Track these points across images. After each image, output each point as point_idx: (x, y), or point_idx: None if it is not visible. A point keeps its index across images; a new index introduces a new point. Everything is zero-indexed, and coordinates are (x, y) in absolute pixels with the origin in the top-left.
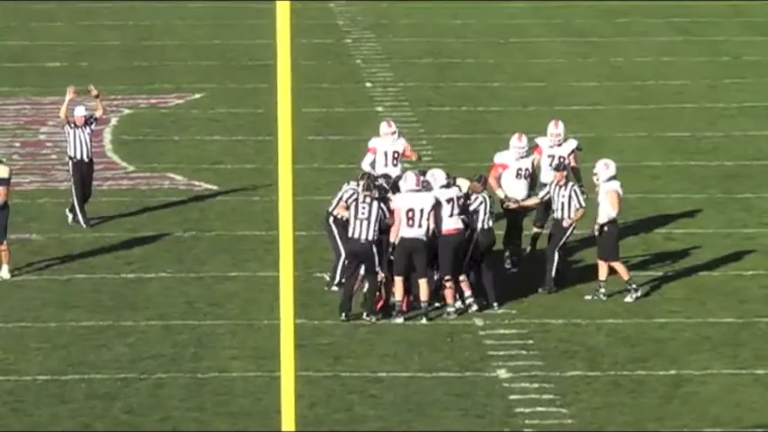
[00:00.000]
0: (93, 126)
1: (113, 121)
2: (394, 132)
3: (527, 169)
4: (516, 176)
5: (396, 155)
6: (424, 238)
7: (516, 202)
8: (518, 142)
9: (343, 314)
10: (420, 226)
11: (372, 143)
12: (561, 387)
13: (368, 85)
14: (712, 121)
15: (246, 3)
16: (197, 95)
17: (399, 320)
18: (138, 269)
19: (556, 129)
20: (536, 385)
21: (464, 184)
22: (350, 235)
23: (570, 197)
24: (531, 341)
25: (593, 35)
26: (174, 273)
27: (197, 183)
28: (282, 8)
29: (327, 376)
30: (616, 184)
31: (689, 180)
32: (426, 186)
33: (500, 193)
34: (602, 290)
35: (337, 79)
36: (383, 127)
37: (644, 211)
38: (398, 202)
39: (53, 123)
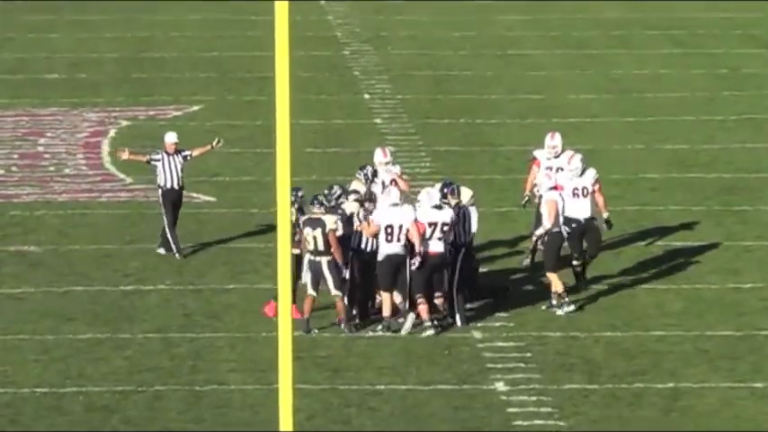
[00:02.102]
0: (185, 157)
1: (112, 132)
2: (388, 162)
3: (559, 168)
4: (546, 176)
5: (392, 183)
6: (402, 253)
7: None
8: (550, 141)
9: (344, 327)
10: (399, 240)
11: None
12: (559, 400)
13: (366, 97)
14: (710, 133)
15: (245, 15)
16: (195, 107)
17: (431, 332)
18: (137, 281)
19: (552, 141)
20: (534, 398)
21: (466, 192)
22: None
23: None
24: (529, 354)
25: (591, 47)
26: (172, 285)
27: (195, 195)
28: (281, 20)
29: (325, 389)
30: (555, 194)
31: (687, 192)
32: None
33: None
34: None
35: (335, 91)
36: (378, 155)
37: (642, 224)
38: (377, 217)
39: (51, 135)
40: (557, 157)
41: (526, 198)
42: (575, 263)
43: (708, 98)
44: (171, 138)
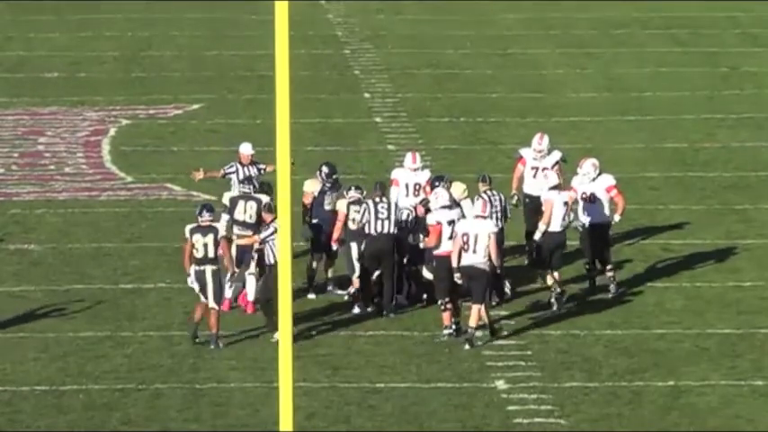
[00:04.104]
0: (260, 170)
1: (112, 131)
2: (417, 168)
3: (545, 168)
4: (533, 176)
5: (417, 187)
6: (483, 266)
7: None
8: (537, 144)
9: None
10: (475, 252)
11: (395, 174)
12: (560, 398)
13: (366, 95)
14: (710, 132)
15: (245, 14)
16: (195, 106)
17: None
18: (137, 280)
19: (540, 145)
20: (534, 396)
21: (458, 187)
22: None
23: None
24: (529, 352)
25: (591, 46)
26: (172, 283)
27: (195, 193)
28: (281, 19)
29: (325, 387)
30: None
31: (687, 191)
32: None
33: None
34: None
35: (335, 90)
36: (408, 161)
37: (642, 222)
38: (457, 228)
39: (51, 134)
40: (543, 157)
41: (515, 197)
42: (587, 267)
43: (708, 97)
44: (247, 149)
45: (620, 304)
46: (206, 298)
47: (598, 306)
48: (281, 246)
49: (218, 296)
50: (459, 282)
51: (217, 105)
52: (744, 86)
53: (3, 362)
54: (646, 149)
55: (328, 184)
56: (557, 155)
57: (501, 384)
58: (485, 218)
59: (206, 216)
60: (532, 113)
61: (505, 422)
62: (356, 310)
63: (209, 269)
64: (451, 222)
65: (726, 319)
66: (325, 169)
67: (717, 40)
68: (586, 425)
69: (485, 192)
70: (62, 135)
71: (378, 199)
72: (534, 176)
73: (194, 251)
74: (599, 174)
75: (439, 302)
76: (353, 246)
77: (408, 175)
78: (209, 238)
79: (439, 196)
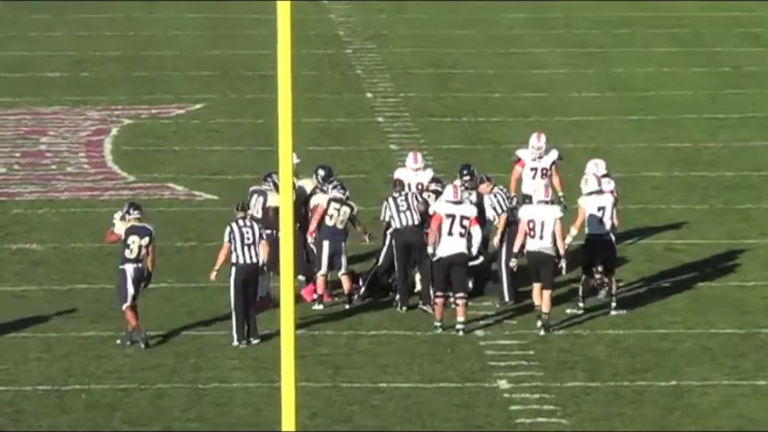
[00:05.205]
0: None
1: (114, 131)
2: (418, 168)
3: (544, 169)
4: (533, 176)
5: (420, 186)
6: (550, 251)
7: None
8: (536, 141)
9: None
10: (542, 238)
11: (397, 174)
12: (562, 398)
13: (368, 95)
14: (713, 131)
15: (247, 14)
16: (197, 106)
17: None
18: None
19: (538, 142)
20: (537, 396)
21: (486, 187)
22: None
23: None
24: (531, 352)
25: (593, 46)
26: (174, 283)
27: (197, 193)
28: (283, 19)
29: (328, 387)
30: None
31: (689, 191)
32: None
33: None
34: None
35: (338, 90)
36: (410, 161)
37: (644, 222)
38: (522, 214)
39: (53, 134)
40: (541, 158)
41: (514, 198)
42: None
43: (710, 96)
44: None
45: (622, 304)
46: (135, 298)
47: (600, 306)
48: (282, 245)
49: (138, 294)
50: (515, 269)
51: (219, 105)
52: (746, 86)
53: (5, 361)
54: (648, 149)
55: (326, 188)
56: (554, 154)
57: (503, 384)
58: (548, 203)
59: (134, 214)
60: (535, 113)
61: (508, 422)
62: (319, 306)
63: (145, 267)
64: (450, 217)
65: (728, 318)
66: (321, 172)
67: (719, 40)
68: (589, 425)
69: (492, 191)
70: (64, 135)
71: (396, 194)
72: (533, 177)
73: (127, 251)
74: (604, 176)
75: (432, 295)
76: (326, 243)
77: (410, 174)
78: (146, 240)
79: (447, 190)
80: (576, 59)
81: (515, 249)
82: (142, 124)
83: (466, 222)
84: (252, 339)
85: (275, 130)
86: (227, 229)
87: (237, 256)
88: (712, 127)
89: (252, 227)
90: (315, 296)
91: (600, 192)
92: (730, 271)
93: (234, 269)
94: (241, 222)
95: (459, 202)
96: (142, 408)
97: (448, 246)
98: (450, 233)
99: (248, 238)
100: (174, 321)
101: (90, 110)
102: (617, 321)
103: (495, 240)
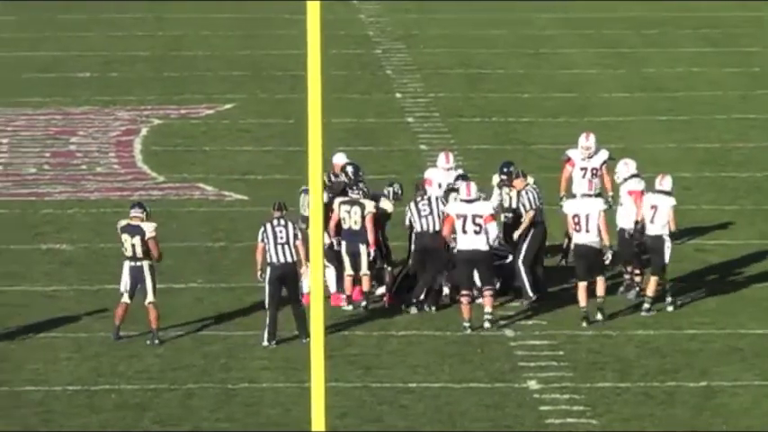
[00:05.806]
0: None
1: (144, 131)
2: (450, 168)
3: (594, 169)
4: (582, 176)
5: (449, 185)
6: (597, 245)
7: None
8: (584, 141)
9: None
10: (588, 231)
11: (428, 174)
12: (592, 398)
13: (398, 95)
14: (743, 132)
15: (277, 14)
16: (227, 106)
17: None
18: (168, 279)
19: (587, 141)
20: (566, 396)
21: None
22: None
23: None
24: (561, 352)
25: (623, 46)
26: (204, 283)
27: (227, 193)
28: (313, 19)
29: (357, 387)
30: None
31: (720, 191)
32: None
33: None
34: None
35: (367, 90)
36: (441, 160)
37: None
38: (566, 209)
39: (83, 134)
40: (590, 157)
41: (564, 198)
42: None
43: (741, 96)
44: (340, 159)
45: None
46: (131, 297)
47: (630, 306)
48: (312, 246)
49: (155, 289)
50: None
51: (249, 105)
52: None
53: (35, 362)
54: (678, 149)
55: (355, 186)
56: (604, 154)
57: (533, 384)
58: (591, 196)
59: (133, 212)
60: (565, 113)
61: (538, 422)
62: (348, 307)
63: (145, 264)
64: (462, 216)
65: (759, 319)
66: (350, 169)
67: (749, 40)
68: (618, 425)
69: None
70: (94, 135)
71: (419, 198)
72: (583, 177)
73: (123, 250)
74: (632, 176)
75: (461, 293)
76: (344, 245)
77: (442, 174)
78: (137, 240)
79: (461, 190)
80: (606, 60)
81: (564, 247)
82: (172, 124)
83: (479, 220)
84: (302, 339)
85: (305, 130)
86: (261, 229)
87: (271, 256)
88: (742, 127)
89: (286, 226)
90: (343, 297)
91: (658, 192)
92: (760, 271)
93: (269, 268)
94: (275, 222)
95: (472, 201)
96: (172, 408)
97: (464, 243)
98: (464, 231)
99: (281, 238)
100: (203, 322)
101: (120, 110)
102: (647, 322)
103: (515, 234)
